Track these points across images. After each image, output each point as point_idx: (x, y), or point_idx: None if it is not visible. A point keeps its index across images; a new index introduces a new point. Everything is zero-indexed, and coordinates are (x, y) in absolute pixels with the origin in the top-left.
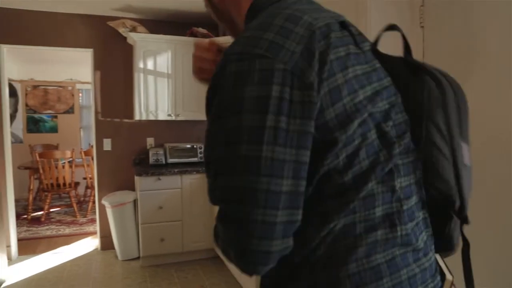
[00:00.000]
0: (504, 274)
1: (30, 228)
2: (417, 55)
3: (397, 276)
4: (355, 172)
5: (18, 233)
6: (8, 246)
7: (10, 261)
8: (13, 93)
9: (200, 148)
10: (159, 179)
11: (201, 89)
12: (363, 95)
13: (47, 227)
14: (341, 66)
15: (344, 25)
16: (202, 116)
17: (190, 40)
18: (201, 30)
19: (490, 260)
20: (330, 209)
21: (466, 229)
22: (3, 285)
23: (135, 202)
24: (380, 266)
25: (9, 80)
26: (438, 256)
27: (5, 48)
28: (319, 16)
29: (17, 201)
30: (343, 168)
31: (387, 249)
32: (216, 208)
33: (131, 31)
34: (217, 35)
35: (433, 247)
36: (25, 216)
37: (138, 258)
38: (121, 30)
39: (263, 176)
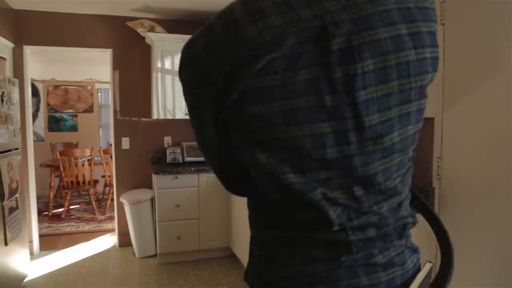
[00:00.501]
0: (505, 273)
1: (51, 225)
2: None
3: None
4: None
5: (40, 229)
6: (31, 242)
7: (32, 256)
8: (35, 93)
9: None
10: (176, 177)
11: None
12: None
13: (67, 223)
14: None
15: None
16: None
17: None
18: None
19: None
20: None
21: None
22: (26, 279)
23: (152, 200)
24: None
25: (32, 80)
26: None
27: (28, 49)
28: None
29: (38, 198)
30: None
31: None
32: (233, 207)
33: (149, 31)
34: None
35: None
36: (46, 212)
37: (155, 255)
38: (140, 30)
39: None
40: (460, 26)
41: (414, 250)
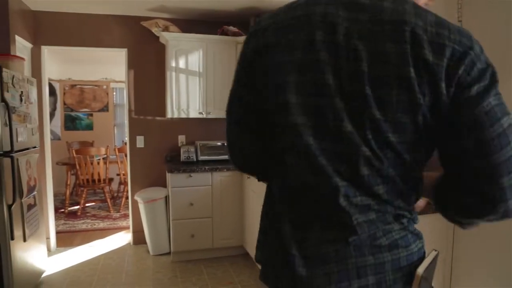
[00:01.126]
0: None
1: (67, 222)
2: None
3: None
4: None
5: (56, 226)
6: (48, 238)
7: (50, 252)
8: (52, 92)
9: None
10: (190, 176)
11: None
12: None
13: (82, 221)
14: None
15: None
16: None
17: (221, 38)
18: (232, 28)
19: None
20: None
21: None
22: (44, 274)
23: (166, 198)
24: None
25: (49, 80)
26: None
27: (46, 49)
28: None
29: (55, 195)
30: None
31: None
32: (246, 206)
33: (163, 30)
34: None
35: None
36: (63, 210)
37: (169, 253)
38: (154, 30)
39: None
40: (478, 24)
41: (417, 235)
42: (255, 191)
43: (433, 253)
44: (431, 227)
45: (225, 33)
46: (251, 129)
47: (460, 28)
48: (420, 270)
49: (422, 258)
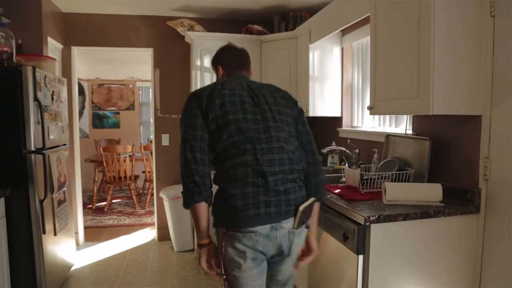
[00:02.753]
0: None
1: (95, 217)
2: (487, 46)
3: None
4: None
5: (85, 221)
6: (76, 233)
7: (78, 246)
8: (81, 91)
9: None
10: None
11: None
12: None
13: (109, 217)
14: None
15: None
16: None
17: (246, 37)
18: (256, 27)
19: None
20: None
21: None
22: (72, 268)
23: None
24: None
25: (78, 79)
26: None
27: (76, 50)
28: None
29: (83, 191)
30: None
31: None
32: None
33: (188, 30)
34: (272, 32)
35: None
36: (90, 206)
37: (193, 250)
38: (180, 29)
39: None
40: (511, 18)
41: (300, 187)
42: None
43: (311, 200)
44: (460, 230)
45: (249, 32)
46: None
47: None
48: (301, 207)
49: (304, 201)
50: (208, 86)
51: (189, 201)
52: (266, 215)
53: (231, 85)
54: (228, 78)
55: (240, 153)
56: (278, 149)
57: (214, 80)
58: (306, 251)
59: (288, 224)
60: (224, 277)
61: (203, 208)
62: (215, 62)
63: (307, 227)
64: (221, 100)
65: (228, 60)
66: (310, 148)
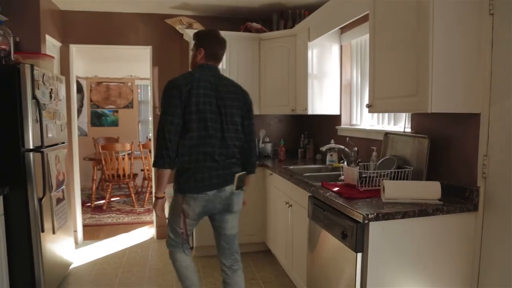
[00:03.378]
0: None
1: (93, 216)
2: (486, 44)
3: None
4: None
5: (83, 219)
6: (75, 231)
7: (77, 244)
8: (79, 89)
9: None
10: None
11: (255, 85)
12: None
13: (108, 215)
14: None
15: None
16: (255, 110)
17: (245, 35)
18: (255, 25)
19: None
20: None
21: None
22: (71, 266)
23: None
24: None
25: (76, 77)
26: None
27: (74, 47)
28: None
29: (82, 190)
30: None
31: None
32: (269, 203)
33: (187, 27)
34: (271, 30)
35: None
36: (89, 204)
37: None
38: (178, 27)
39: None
40: (510, 15)
41: (239, 165)
42: (278, 187)
43: (244, 172)
44: (458, 228)
45: (248, 29)
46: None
47: None
48: (237, 175)
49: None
50: (185, 78)
51: (160, 165)
52: (215, 184)
53: (205, 84)
54: (202, 66)
55: (202, 144)
56: (227, 143)
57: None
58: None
59: (230, 188)
60: (169, 222)
61: (167, 172)
62: (199, 44)
63: (243, 190)
64: (196, 100)
65: (211, 49)
66: (250, 138)
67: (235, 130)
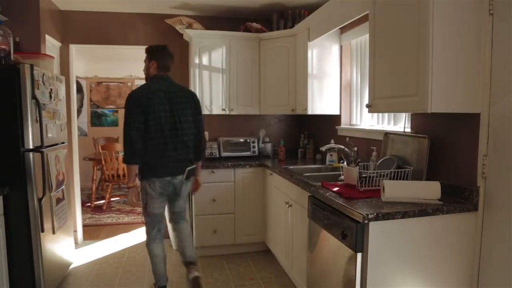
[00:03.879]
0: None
1: (93, 216)
2: (485, 44)
3: None
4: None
5: (83, 219)
6: (75, 231)
7: (77, 244)
8: (79, 89)
9: (253, 142)
10: (213, 172)
11: (255, 85)
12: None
13: (108, 215)
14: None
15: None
16: (255, 110)
17: (244, 35)
18: (254, 25)
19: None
20: None
21: None
22: (71, 266)
23: (189, 194)
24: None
25: (76, 77)
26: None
27: (74, 47)
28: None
29: (82, 190)
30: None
31: None
32: (269, 203)
33: (187, 27)
34: (271, 30)
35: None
36: (89, 204)
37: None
38: (178, 27)
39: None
40: (510, 16)
41: (189, 160)
42: (278, 187)
43: (194, 166)
44: (458, 228)
45: (248, 29)
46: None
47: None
48: (187, 169)
49: (190, 166)
50: (143, 90)
51: (128, 162)
52: (169, 172)
53: (159, 94)
54: (156, 77)
55: (160, 143)
56: (181, 142)
57: (213, 78)
58: (195, 187)
59: (180, 177)
60: (144, 206)
61: (135, 166)
62: (152, 57)
63: (190, 180)
64: (153, 108)
65: (162, 62)
66: (200, 136)
67: (188, 127)
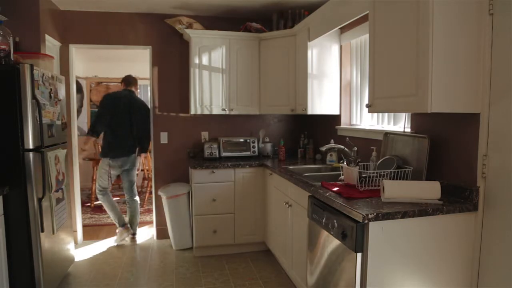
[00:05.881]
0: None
1: (93, 216)
2: (485, 45)
3: None
4: None
5: (83, 219)
6: (75, 231)
7: (77, 244)
8: (79, 89)
9: (253, 142)
10: (213, 172)
11: (255, 85)
12: None
13: (107, 215)
14: None
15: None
16: (255, 110)
17: (244, 35)
18: (254, 25)
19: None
20: None
21: None
22: (71, 266)
23: (189, 194)
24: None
25: (76, 77)
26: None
27: (74, 48)
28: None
29: (81, 190)
30: None
31: None
32: (269, 203)
33: (187, 27)
34: (271, 30)
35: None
36: (89, 204)
37: (191, 248)
38: (178, 27)
39: None
40: (510, 15)
41: (135, 146)
42: (278, 187)
43: (138, 149)
44: (458, 228)
45: (248, 29)
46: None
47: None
48: (133, 155)
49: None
50: (112, 96)
51: (90, 135)
52: (120, 154)
53: (123, 100)
54: (125, 90)
55: (118, 135)
56: (131, 135)
57: (212, 78)
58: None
59: (128, 156)
60: (97, 179)
61: (93, 138)
62: (122, 80)
63: (136, 158)
64: (117, 110)
65: (125, 82)
66: (146, 134)
67: (137, 129)
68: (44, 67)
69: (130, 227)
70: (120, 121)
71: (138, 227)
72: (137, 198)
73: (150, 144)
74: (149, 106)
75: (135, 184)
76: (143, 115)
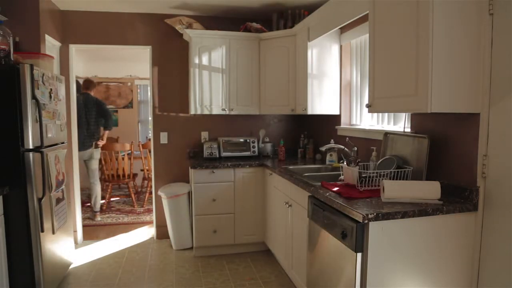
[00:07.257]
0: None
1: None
2: (485, 45)
3: None
4: None
5: (83, 219)
6: (75, 231)
7: (77, 244)
8: (79, 89)
9: (253, 142)
10: (213, 172)
11: (255, 85)
12: None
13: (107, 215)
14: None
15: None
16: (255, 110)
17: (244, 35)
18: (254, 25)
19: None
20: None
21: None
22: (71, 266)
23: (189, 194)
24: None
25: (76, 77)
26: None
27: (74, 47)
28: None
29: (81, 190)
30: None
31: None
32: (269, 203)
33: (187, 27)
34: (270, 30)
35: None
36: (89, 204)
37: (191, 248)
38: (178, 27)
39: None
40: (510, 15)
41: (94, 139)
42: (278, 187)
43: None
44: (458, 228)
45: (248, 29)
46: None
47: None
48: (93, 147)
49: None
50: (78, 97)
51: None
52: (85, 146)
53: (83, 101)
54: (83, 93)
55: (79, 133)
56: (90, 129)
57: (212, 78)
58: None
59: (91, 149)
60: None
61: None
62: (83, 84)
63: (96, 149)
64: (82, 108)
65: (84, 85)
66: (108, 123)
67: (94, 122)
68: (44, 67)
69: (94, 206)
70: (80, 121)
71: (137, 227)
72: (98, 183)
73: (150, 142)
74: (150, 106)
75: (96, 171)
76: (94, 110)
